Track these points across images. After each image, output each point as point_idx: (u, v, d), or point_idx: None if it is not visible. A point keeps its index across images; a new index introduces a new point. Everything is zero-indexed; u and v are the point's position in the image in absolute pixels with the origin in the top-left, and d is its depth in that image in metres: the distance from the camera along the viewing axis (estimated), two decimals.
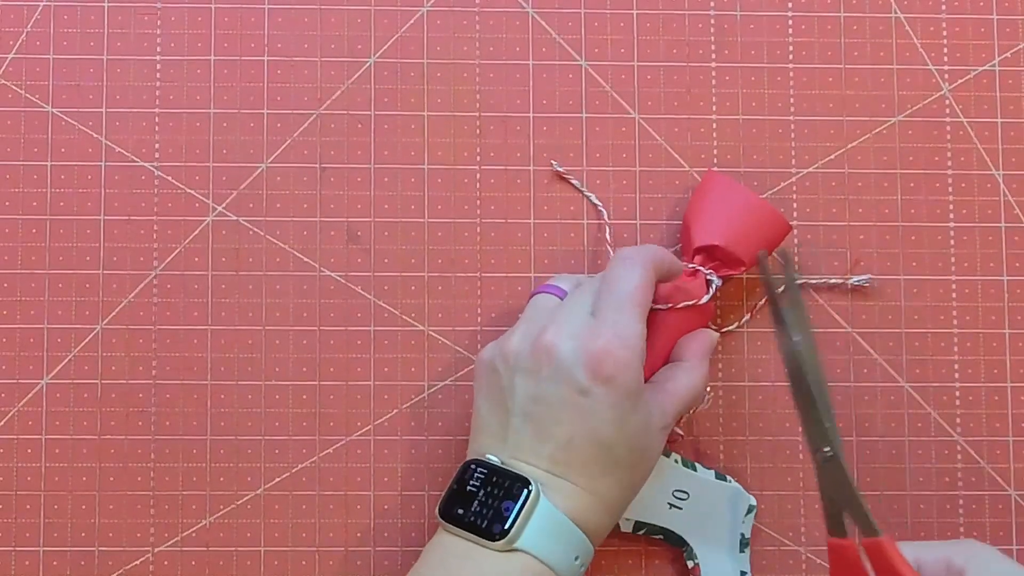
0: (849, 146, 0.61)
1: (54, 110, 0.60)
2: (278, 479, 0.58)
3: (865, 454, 0.59)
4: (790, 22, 0.61)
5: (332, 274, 0.59)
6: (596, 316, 0.50)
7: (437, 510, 0.50)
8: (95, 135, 0.60)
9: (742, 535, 0.57)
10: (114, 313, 0.59)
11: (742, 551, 0.57)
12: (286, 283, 0.59)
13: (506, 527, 0.48)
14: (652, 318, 0.53)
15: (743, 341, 0.59)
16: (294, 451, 0.59)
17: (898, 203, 0.60)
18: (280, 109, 0.60)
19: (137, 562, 0.58)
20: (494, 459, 0.50)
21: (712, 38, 0.61)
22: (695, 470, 0.57)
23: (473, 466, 0.50)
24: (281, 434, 0.59)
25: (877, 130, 0.61)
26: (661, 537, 0.57)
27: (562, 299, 0.53)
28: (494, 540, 0.48)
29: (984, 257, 0.60)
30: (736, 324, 0.59)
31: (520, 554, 0.48)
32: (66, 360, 0.59)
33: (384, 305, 0.59)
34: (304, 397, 0.59)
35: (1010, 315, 0.60)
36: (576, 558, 0.49)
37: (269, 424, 0.59)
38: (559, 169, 0.59)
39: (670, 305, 0.55)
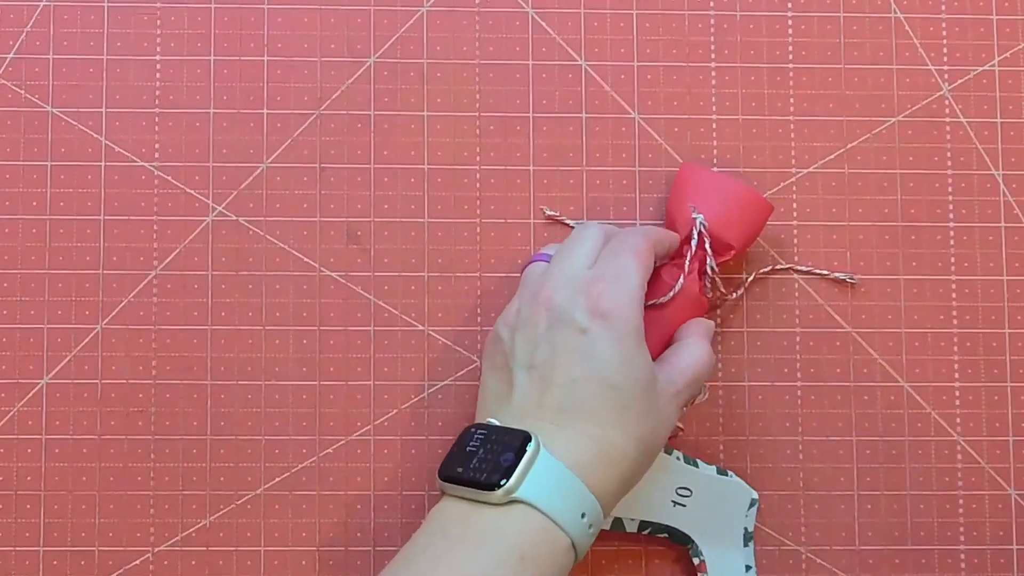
0: (849, 146, 0.61)
1: (54, 110, 0.60)
2: (278, 479, 0.58)
3: (865, 454, 0.59)
4: (790, 22, 0.61)
5: (332, 274, 0.59)
6: (594, 267, 0.51)
7: (437, 473, 0.49)
8: (95, 135, 0.60)
9: (745, 529, 0.57)
10: (114, 313, 0.59)
11: (746, 545, 0.57)
12: (286, 283, 0.59)
13: (505, 476, 0.46)
14: (648, 314, 0.53)
15: (743, 341, 0.59)
16: (294, 451, 0.59)
17: (898, 203, 0.60)
18: (280, 109, 0.60)
19: (137, 562, 0.58)
20: (494, 421, 0.49)
21: (712, 38, 0.61)
22: (696, 466, 0.57)
23: (473, 429, 0.49)
24: (281, 434, 0.59)
25: (877, 130, 0.61)
26: (666, 536, 0.57)
27: None
28: (493, 490, 0.46)
29: (984, 257, 0.60)
30: (733, 295, 0.59)
31: (521, 507, 0.46)
32: (66, 360, 0.59)
33: (384, 305, 0.59)
34: (304, 397, 0.59)
35: (1010, 315, 0.60)
36: (583, 515, 0.47)
37: (269, 424, 0.59)
38: (551, 214, 0.59)
39: (671, 294, 0.54)
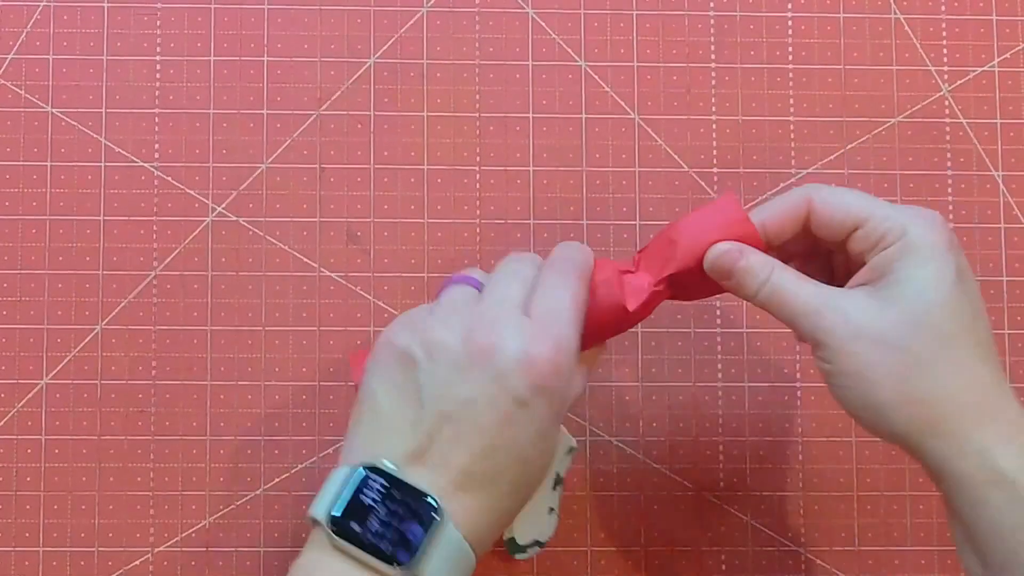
0: (849, 146, 0.61)
1: (54, 110, 0.60)
2: (278, 479, 0.58)
3: (865, 455, 0.59)
4: (790, 22, 0.61)
5: (332, 274, 0.59)
6: (533, 318, 0.45)
7: (327, 519, 0.44)
8: (95, 135, 0.60)
9: (557, 474, 0.55)
10: (114, 313, 0.59)
11: (554, 489, 0.55)
12: (286, 283, 0.59)
13: (412, 556, 0.43)
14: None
15: (743, 341, 0.59)
16: (294, 451, 0.59)
17: (898, 203, 0.60)
18: (280, 109, 0.60)
19: (137, 562, 0.58)
20: (391, 467, 0.44)
21: (712, 38, 0.61)
22: None
23: (367, 476, 0.44)
24: (281, 434, 0.59)
25: (877, 130, 0.61)
26: None
27: (480, 292, 0.48)
28: (395, 567, 0.43)
29: (984, 257, 0.60)
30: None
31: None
32: (66, 360, 0.59)
33: (384, 305, 0.59)
34: (304, 397, 0.59)
35: (1010, 315, 0.60)
36: None
37: (269, 424, 0.59)
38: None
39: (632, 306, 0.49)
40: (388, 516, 0.43)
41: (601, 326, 0.48)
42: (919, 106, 0.61)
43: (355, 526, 0.43)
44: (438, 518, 0.43)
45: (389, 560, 0.43)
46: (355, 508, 0.43)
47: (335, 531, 0.43)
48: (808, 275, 0.47)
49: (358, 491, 0.44)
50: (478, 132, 0.60)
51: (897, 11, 0.61)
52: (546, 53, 0.61)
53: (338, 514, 0.43)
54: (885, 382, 0.45)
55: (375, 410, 0.46)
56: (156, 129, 0.60)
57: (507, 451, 0.44)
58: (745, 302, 0.49)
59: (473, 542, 0.44)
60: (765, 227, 0.48)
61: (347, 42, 0.61)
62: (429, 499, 0.43)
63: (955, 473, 0.44)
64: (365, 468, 0.44)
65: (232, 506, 0.58)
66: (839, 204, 0.47)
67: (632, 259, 0.50)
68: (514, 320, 0.45)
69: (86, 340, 0.59)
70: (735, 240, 0.48)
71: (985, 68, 0.61)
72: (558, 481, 0.55)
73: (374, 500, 0.43)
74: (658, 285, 0.48)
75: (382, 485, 0.44)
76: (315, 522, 0.44)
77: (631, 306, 0.48)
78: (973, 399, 0.45)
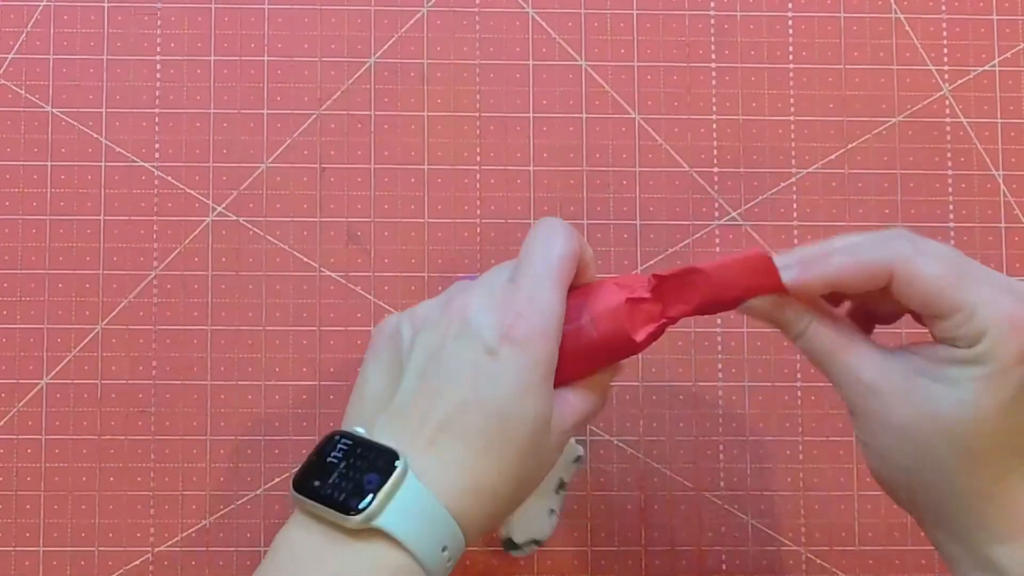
0: (849, 146, 0.61)
1: (54, 110, 0.60)
2: (278, 479, 0.58)
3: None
4: (790, 22, 0.61)
5: (332, 274, 0.59)
6: (514, 283, 0.46)
7: (291, 483, 0.44)
8: (95, 135, 0.60)
9: (561, 479, 0.55)
10: (114, 313, 0.59)
11: (556, 492, 0.55)
12: (286, 283, 0.59)
13: (366, 501, 0.42)
14: (575, 333, 0.48)
15: (743, 341, 0.59)
16: (294, 451, 0.59)
17: (898, 203, 0.60)
18: (280, 109, 0.60)
19: (137, 562, 0.58)
20: (360, 431, 0.44)
21: (712, 38, 0.61)
22: None
23: (337, 437, 0.44)
24: (281, 434, 0.59)
25: (877, 130, 0.61)
26: None
27: None
28: (350, 514, 0.42)
29: (984, 257, 0.60)
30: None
31: (377, 539, 0.42)
32: (66, 360, 0.59)
33: (384, 305, 0.59)
34: (304, 397, 0.59)
35: None
36: (444, 548, 0.43)
37: (269, 424, 0.59)
38: None
39: (638, 338, 0.47)
40: (348, 469, 0.43)
41: (607, 352, 0.47)
42: (919, 106, 0.61)
43: (315, 483, 0.43)
44: (397, 465, 0.42)
45: (344, 509, 0.42)
46: (318, 467, 0.43)
47: (297, 490, 0.43)
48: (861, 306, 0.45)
49: (324, 452, 0.44)
50: (478, 132, 0.60)
51: (897, 11, 0.61)
52: (546, 53, 0.61)
53: (296, 477, 0.44)
54: (905, 475, 0.44)
55: (364, 383, 0.46)
56: (156, 129, 0.60)
57: (481, 405, 0.43)
58: None
59: (452, 504, 0.43)
60: (832, 284, 0.44)
61: (347, 42, 0.61)
62: (390, 451, 0.42)
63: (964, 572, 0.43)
64: (334, 432, 0.44)
65: (232, 506, 0.58)
66: (925, 288, 0.42)
67: (647, 279, 0.47)
68: (493, 286, 0.46)
69: (86, 340, 0.59)
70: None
71: (985, 68, 0.61)
72: (561, 486, 0.55)
73: (336, 458, 0.43)
74: (669, 320, 0.47)
75: (346, 443, 0.44)
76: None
77: (639, 337, 0.46)
78: (998, 519, 0.43)
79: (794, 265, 0.44)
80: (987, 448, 0.42)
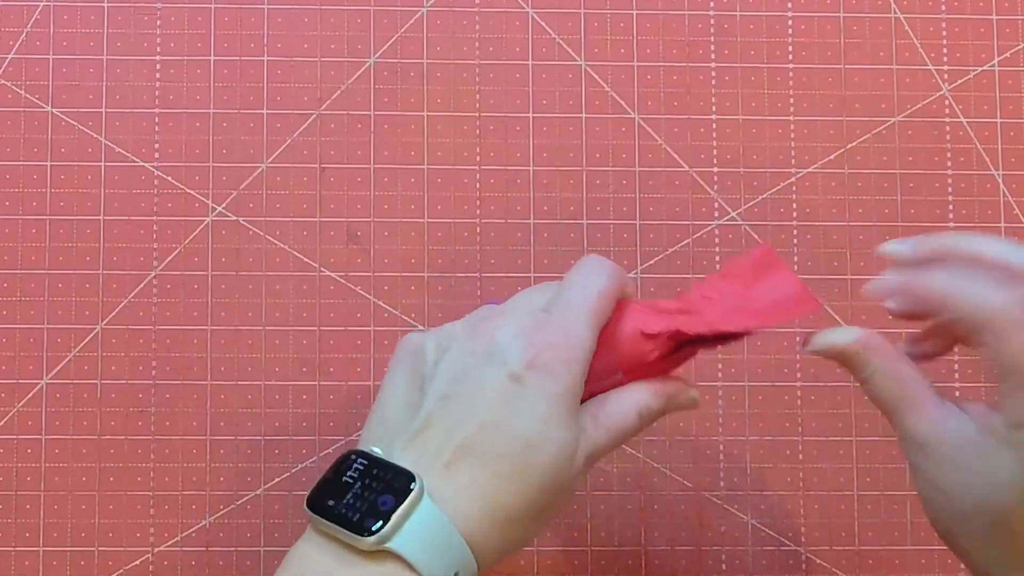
0: (849, 146, 0.61)
1: (54, 110, 0.60)
2: (278, 479, 0.58)
3: (865, 454, 0.59)
4: (790, 22, 0.61)
5: (332, 274, 0.59)
6: (547, 312, 0.46)
7: (305, 501, 0.43)
8: (95, 135, 0.60)
9: None
10: (114, 313, 0.59)
11: None
12: (286, 283, 0.59)
13: (380, 523, 0.41)
14: (600, 372, 0.47)
15: (743, 341, 0.59)
16: (294, 451, 0.59)
17: (898, 203, 0.60)
18: (280, 109, 0.60)
19: (137, 562, 0.58)
20: (378, 451, 0.44)
21: (712, 38, 0.61)
22: None
23: (353, 456, 0.44)
24: (281, 434, 0.59)
25: (877, 130, 0.61)
26: None
27: None
28: (363, 535, 0.41)
29: None
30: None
31: (389, 561, 0.41)
32: (66, 360, 0.59)
33: (384, 305, 0.59)
34: (304, 397, 0.59)
35: None
36: (456, 574, 0.42)
37: (269, 424, 0.59)
38: None
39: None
40: (363, 490, 0.42)
41: (629, 372, 0.47)
42: (919, 106, 0.61)
43: (330, 502, 0.43)
44: (413, 488, 0.42)
45: (358, 530, 0.41)
46: (333, 486, 0.43)
47: (311, 508, 0.43)
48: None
49: (340, 471, 0.44)
50: (478, 132, 0.60)
51: (897, 11, 0.61)
52: (546, 53, 0.61)
53: (310, 495, 0.43)
54: (950, 536, 0.45)
55: (381, 407, 0.46)
56: (156, 129, 0.60)
57: (504, 429, 0.43)
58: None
59: (466, 529, 0.42)
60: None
61: (347, 42, 0.61)
62: (406, 473, 0.42)
63: None
64: (351, 452, 0.44)
65: (232, 506, 0.58)
66: (1012, 363, 0.41)
67: (677, 298, 0.48)
68: (525, 312, 0.46)
69: (86, 340, 0.59)
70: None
71: (985, 68, 0.61)
72: None
73: (352, 478, 0.43)
74: (679, 336, 0.47)
75: (362, 463, 0.43)
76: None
77: (650, 357, 0.47)
78: None
79: (895, 295, 0.45)
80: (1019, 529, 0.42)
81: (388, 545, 0.41)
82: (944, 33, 0.61)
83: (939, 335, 0.47)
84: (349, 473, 0.43)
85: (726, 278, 0.49)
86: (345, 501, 0.42)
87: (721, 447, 0.59)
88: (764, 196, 0.60)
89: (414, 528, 0.41)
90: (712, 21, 0.61)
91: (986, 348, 0.42)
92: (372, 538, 0.41)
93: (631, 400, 0.46)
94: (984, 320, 0.42)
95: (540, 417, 0.43)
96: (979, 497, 0.43)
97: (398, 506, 0.41)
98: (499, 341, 0.44)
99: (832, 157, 0.61)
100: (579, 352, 0.45)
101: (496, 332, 0.45)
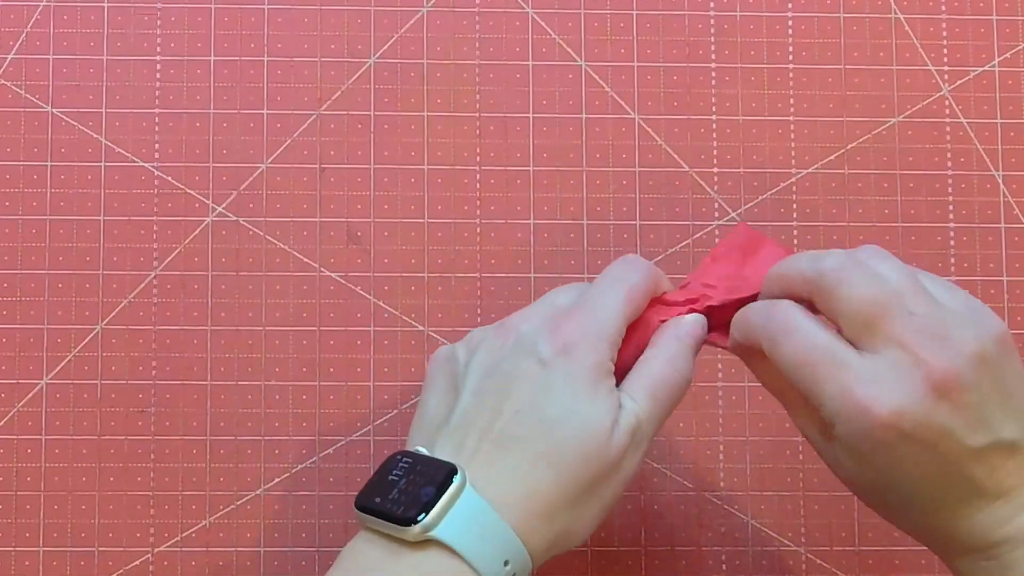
0: (849, 146, 0.61)
1: (54, 110, 0.60)
2: (278, 479, 0.58)
3: None
4: (790, 22, 0.61)
5: (332, 274, 0.59)
6: (577, 304, 0.47)
7: (354, 503, 0.45)
8: (95, 135, 0.60)
9: None
10: (114, 313, 0.59)
11: None
12: (286, 283, 0.59)
13: (423, 513, 0.42)
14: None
15: None
16: (294, 451, 0.59)
17: (898, 203, 0.60)
18: (280, 109, 0.60)
19: (137, 562, 0.58)
20: (422, 450, 0.45)
21: (712, 38, 0.61)
22: None
23: (398, 456, 0.45)
24: (281, 434, 0.59)
25: (877, 130, 0.61)
26: None
27: None
28: (409, 526, 0.42)
29: (984, 258, 0.60)
30: None
31: (436, 551, 0.42)
32: (66, 360, 0.59)
33: (384, 305, 0.59)
34: (304, 397, 0.59)
35: (1010, 315, 0.60)
36: (506, 563, 0.42)
37: (269, 424, 0.59)
38: None
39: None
40: (407, 485, 0.43)
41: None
42: (919, 106, 0.61)
43: (376, 499, 0.44)
44: (455, 479, 0.43)
45: (402, 521, 0.42)
46: (379, 485, 0.44)
47: (359, 508, 0.44)
48: None
49: (385, 471, 0.45)
50: (478, 132, 0.60)
51: (897, 11, 0.61)
52: (546, 53, 0.61)
53: (358, 496, 0.44)
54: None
55: (421, 412, 0.48)
56: (156, 129, 0.60)
57: (536, 414, 0.44)
58: None
59: (511, 518, 0.43)
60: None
61: (347, 42, 0.61)
62: (448, 466, 0.43)
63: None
64: (396, 452, 0.45)
65: (232, 506, 0.58)
66: (787, 373, 0.45)
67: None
68: (550, 306, 0.47)
69: (86, 340, 0.59)
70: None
71: (985, 68, 0.61)
72: None
73: (397, 476, 0.44)
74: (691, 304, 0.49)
75: (407, 462, 0.44)
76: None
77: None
78: (940, 551, 0.47)
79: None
80: (871, 503, 0.47)
81: (433, 534, 0.42)
82: (944, 33, 0.61)
83: None
84: (394, 472, 0.44)
85: (718, 262, 0.50)
86: (390, 497, 0.43)
87: (721, 447, 0.59)
88: (764, 196, 0.60)
89: (458, 517, 0.42)
90: (712, 21, 0.61)
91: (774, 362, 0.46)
92: (416, 527, 0.42)
93: (661, 356, 0.47)
94: (758, 339, 0.46)
95: (569, 398, 0.44)
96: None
97: (440, 496, 0.42)
98: (525, 332, 0.46)
99: (832, 157, 0.61)
100: (606, 332, 0.46)
101: (522, 324, 0.46)
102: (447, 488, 0.42)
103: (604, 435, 0.44)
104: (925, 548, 0.47)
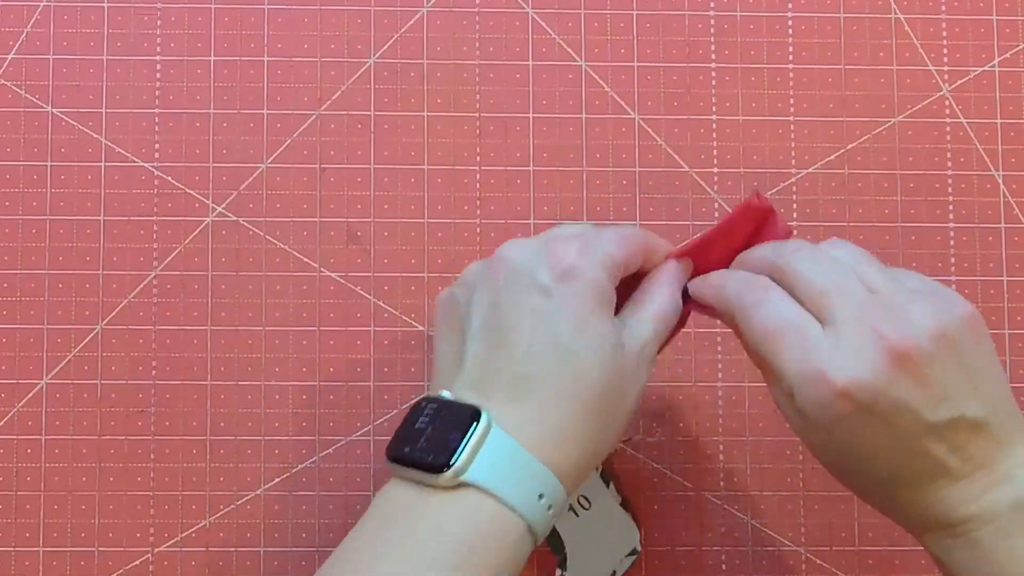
0: (849, 146, 0.61)
1: (54, 110, 0.60)
2: (278, 479, 0.58)
3: None
4: (790, 22, 0.61)
5: (332, 274, 0.59)
6: (573, 236, 0.47)
7: (385, 453, 0.45)
8: (95, 135, 0.60)
9: (614, 572, 0.56)
10: (114, 313, 0.59)
11: None
12: (286, 283, 0.59)
13: (453, 458, 0.42)
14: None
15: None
16: (294, 451, 0.59)
17: (898, 203, 0.60)
18: (280, 109, 0.60)
19: (137, 562, 0.58)
20: (446, 394, 0.45)
21: (712, 38, 0.61)
22: (607, 486, 0.56)
23: (423, 403, 0.45)
24: (281, 434, 0.59)
25: (877, 130, 0.61)
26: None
27: None
28: (440, 472, 0.42)
29: (984, 257, 0.60)
30: None
31: (470, 492, 0.42)
32: (66, 360, 0.59)
33: (384, 305, 0.59)
34: (304, 397, 0.59)
35: (1010, 315, 0.60)
36: (540, 496, 0.43)
37: (269, 424, 0.59)
38: None
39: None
40: (434, 433, 0.44)
41: None
42: (919, 106, 0.61)
43: (406, 449, 0.44)
44: (480, 421, 0.43)
45: (434, 469, 0.43)
46: (407, 434, 0.45)
47: (390, 457, 0.44)
48: None
49: (412, 420, 0.45)
50: (478, 132, 0.60)
51: (897, 11, 0.61)
52: (546, 53, 0.61)
53: (388, 447, 0.45)
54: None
55: (437, 354, 0.47)
56: (156, 129, 0.60)
57: (544, 347, 0.44)
58: None
59: (539, 452, 0.43)
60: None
61: (347, 42, 0.61)
62: (473, 409, 0.43)
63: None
64: (421, 399, 0.46)
65: (232, 506, 0.58)
66: (749, 347, 0.47)
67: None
68: (543, 239, 0.47)
69: (86, 340, 0.59)
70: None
71: (985, 68, 0.61)
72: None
73: (424, 423, 0.44)
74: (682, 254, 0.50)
75: (432, 408, 0.45)
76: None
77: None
78: (905, 524, 0.47)
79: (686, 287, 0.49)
80: (838, 476, 0.47)
81: (464, 478, 0.42)
82: (944, 33, 0.61)
83: None
84: (420, 419, 0.45)
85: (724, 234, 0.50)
86: (419, 446, 0.44)
87: (721, 447, 0.59)
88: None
89: (487, 458, 0.43)
90: (712, 21, 0.61)
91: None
92: (448, 473, 0.42)
93: (657, 288, 0.49)
94: (731, 309, 0.47)
95: (574, 324, 0.44)
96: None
97: (468, 440, 0.43)
98: (520, 262, 0.46)
99: (832, 157, 0.61)
100: (604, 261, 0.46)
101: (515, 255, 0.46)
102: (473, 431, 0.43)
103: (616, 353, 0.45)
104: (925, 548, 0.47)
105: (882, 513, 0.47)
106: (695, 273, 0.50)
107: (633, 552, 0.56)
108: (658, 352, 0.48)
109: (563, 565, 0.55)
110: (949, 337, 0.44)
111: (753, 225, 0.50)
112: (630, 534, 0.56)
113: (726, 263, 0.50)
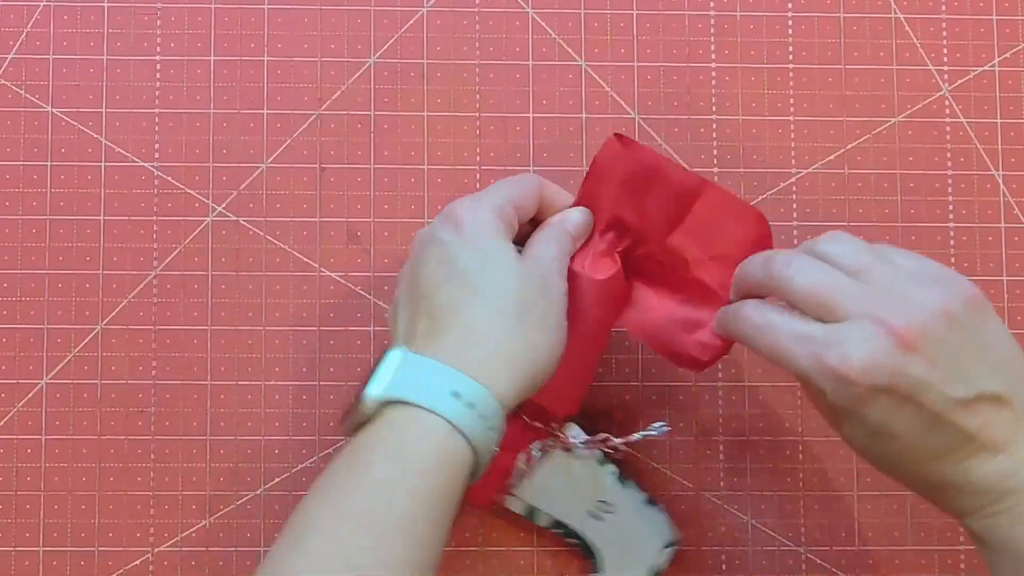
0: (849, 146, 0.61)
1: (54, 110, 0.60)
2: (278, 479, 0.58)
3: None
4: (790, 22, 0.61)
5: (332, 274, 0.59)
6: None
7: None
8: (95, 135, 0.60)
9: (652, 566, 0.56)
10: (114, 313, 0.59)
11: None
12: (286, 283, 0.59)
13: (367, 388, 0.46)
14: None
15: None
16: (294, 451, 0.59)
17: (898, 203, 0.60)
18: (280, 109, 0.60)
19: (137, 562, 0.58)
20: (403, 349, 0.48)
21: (712, 38, 0.61)
22: (625, 487, 0.56)
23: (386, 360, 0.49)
24: (281, 434, 0.59)
25: (877, 130, 0.61)
26: (577, 544, 0.56)
27: None
28: (363, 402, 0.46)
29: (984, 257, 0.60)
30: None
31: (394, 407, 0.45)
32: (66, 360, 0.59)
33: (384, 305, 0.59)
34: (304, 397, 0.59)
35: (1010, 315, 0.60)
36: (456, 395, 0.45)
37: (269, 424, 0.59)
38: None
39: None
40: (360, 385, 0.47)
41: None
42: (919, 106, 0.61)
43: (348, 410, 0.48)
44: (388, 353, 0.46)
45: (359, 401, 0.46)
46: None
47: (343, 431, 0.48)
48: None
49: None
50: (478, 132, 0.60)
51: (897, 11, 0.61)
52: (546, 53, 0.61)
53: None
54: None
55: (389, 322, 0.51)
56: (156, 129, 0.60)
57: (450, 278, 0.48)
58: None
59: (452, 363, 0.46)
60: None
61: (347, 42, 0.61)
62: (392, 349, 0.47)
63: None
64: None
65: (232, 506, 0.58)
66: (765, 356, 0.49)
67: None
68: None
69: (86, 340, 0.59)
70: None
71: (985, 68, 0.61)
72: (654, 574, 0.56)
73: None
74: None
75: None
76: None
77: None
78: (947, 508, 0.48)
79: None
80: (882, 467, 0.48)
81: (379, 395, 0.45)
82: (944, 33, 0.61)
83: None
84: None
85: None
86: (355, 396, 0.47)
87: (721, 447, 0.59)
88: (764, 196, 0.60)
89: (398, 377, 0.46)
90: (712, 21, 0.61)
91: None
92: (368, 401, 0.45)
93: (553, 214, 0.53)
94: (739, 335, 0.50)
95: (472, 251, 0.48)
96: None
97: (378, 370, 0.46)
98: (426, 231, 0.50)
99: (832, 157, 0.61)
100: (489, 203, 0.49)
101: (423, 230, 0.50)
102: (383, 363, 0.46)
103: (520, 262, 0.49)
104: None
105: (926, 499, 0.48)
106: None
107: (670, 544, 0.56)
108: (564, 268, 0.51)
109: (600, 568, 0.56)
110: (955, 317, 0.45)
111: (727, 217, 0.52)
112: (663, 528, 0.56)
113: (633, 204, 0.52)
